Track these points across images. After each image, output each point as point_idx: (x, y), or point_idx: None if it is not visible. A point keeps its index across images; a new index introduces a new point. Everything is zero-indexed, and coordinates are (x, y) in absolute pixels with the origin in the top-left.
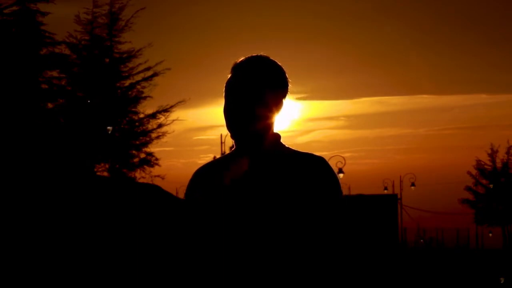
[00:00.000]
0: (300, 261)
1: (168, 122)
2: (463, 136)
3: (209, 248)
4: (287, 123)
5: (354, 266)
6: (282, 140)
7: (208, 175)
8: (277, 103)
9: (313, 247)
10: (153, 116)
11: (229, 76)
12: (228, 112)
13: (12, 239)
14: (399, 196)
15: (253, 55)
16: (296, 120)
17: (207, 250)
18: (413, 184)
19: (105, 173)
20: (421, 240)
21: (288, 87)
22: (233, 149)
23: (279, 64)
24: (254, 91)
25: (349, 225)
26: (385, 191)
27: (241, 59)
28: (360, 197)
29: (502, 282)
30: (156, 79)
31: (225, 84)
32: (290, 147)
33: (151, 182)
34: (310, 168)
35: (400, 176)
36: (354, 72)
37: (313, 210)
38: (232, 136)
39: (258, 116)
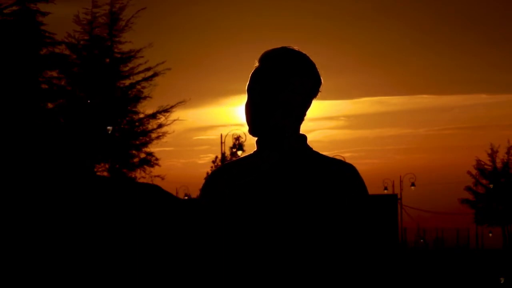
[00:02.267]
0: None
1: (168, 122)
2: (463, 136)
3: (223, 249)
4: None
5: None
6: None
7: (229, 176)
8: (305, 96)
9: (342, 257)
10: (153, 116)
11: (256, 65)
12: (251, 104)
13: (13, 238)
14: (399, 196)
15: (285, 46)
16: None
17: (221, 251)
18: (413, 184)
19: (105, 173)
20: (421, 240)
21: (321, 85)
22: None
23: (310, 58)
24: (280, 79)
25: (380, 235)
26: (385, 191)
27: (272, 48)
28: None
29: (502, 282)
30: (156, 79)
31: (250, 76)
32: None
33: (151, 182)
34: (340, 174)
35: (400, 176)
36: (354, 72)
37: (342, 217)
38: (253, 131)
39: (283, 107)
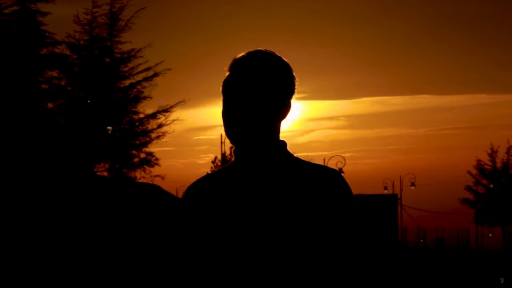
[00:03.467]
0: (309, 275)
1: (168, 122)
2: (463, 136)
3: (214, 252)
4: (287, 123)
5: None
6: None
7: (208, 190)
8: (282, 104)
9: (324, 262)
10: (153, 116)
11: (227, 74)
12: (227, 115)
13: (13, 238)
14: (399, 196)
15: (255, 50)
16: (296, 120)
17: (212, 255)
18: (413, 184)
19: (105, 173)
20: (421, 240)
21: (295, 86)
22: (231, 159)
23: (285, 59)
24: (256, 90)
25: (363, 242)
26: (385, 191)
27: (241, 54)
28: (360, 197)
29: (502, 282)
30: (156, 79)
31: (222, 83)
32: (299, 157)
33: (151, 182)
34: (323, 180)
35: (400, 176)
36: (354, 72)
37: (326, 223)
38: (231, 140)
39: (261, 119)
